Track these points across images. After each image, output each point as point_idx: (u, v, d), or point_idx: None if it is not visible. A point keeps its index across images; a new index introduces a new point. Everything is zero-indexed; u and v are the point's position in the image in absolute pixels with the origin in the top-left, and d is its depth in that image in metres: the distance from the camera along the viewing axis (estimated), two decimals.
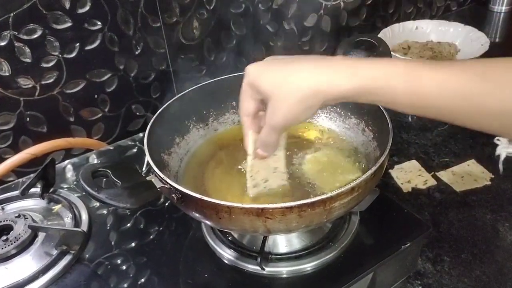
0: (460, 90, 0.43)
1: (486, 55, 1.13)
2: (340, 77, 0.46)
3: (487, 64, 0.44)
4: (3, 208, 0.79)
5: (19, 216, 0.72)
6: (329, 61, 0.49)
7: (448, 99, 0.43)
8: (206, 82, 0.79)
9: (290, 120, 0.50)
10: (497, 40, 1.18)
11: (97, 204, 0.80)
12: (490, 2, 1.58)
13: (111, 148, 0.99)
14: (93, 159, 0.95)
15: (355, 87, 0.46)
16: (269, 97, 0.50)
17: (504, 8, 1.56)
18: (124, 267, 0.69)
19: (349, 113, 0.78)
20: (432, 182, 0.86)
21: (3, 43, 0.83)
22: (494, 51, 1.15)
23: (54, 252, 0.69)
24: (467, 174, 0.88)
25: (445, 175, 0.88)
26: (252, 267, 0.65)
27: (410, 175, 0.87)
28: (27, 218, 0.72)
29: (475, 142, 0.97)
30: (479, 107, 0.43)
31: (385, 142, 0.61)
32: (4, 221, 0.72)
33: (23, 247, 0.69)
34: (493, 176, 0.87)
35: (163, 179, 0.56)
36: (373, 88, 0.46)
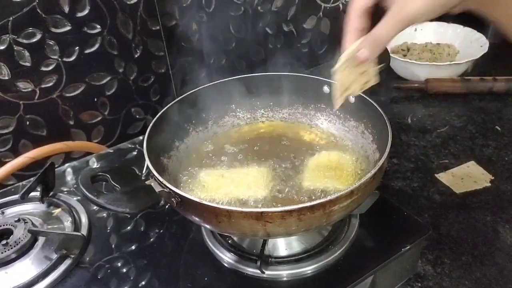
0: None
1: (486, 56, 1.13)
2: None
3: None
4: (3, 212, 0.79)
5: (19, 220, 0.72)
6: None
7: None
8: (205, 85, 0.79)
9: (425, 12, 0.46)
10: (496, 41, 1.18)
11: (97, 207, 0.80)
12: None
13: (111, 151, 0.99)
14: (93, 163, 0.95)
15: None
16: None
17: None
18: (124, 270, 0.69)
19: (348, 116, 0.78)
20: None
21: (2, 47, 0.83)
22: (493, 52, 1.15)
23: (54, 256, 0.69)
24: (466, 176, 0.88)
25: (444, 177, 0.88)
26: (252, 271, 0.65)
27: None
28: (27, 222, 0.72)
29: (475, 144, 0.97)
30: None
31: (385, 145, 0.61)
32: (4, 225, 0.71)
33: (23, 252, 0.69)
34: (493, 178, 0.87)
35: (163, 183, 0.56)
36: None
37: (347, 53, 0.53)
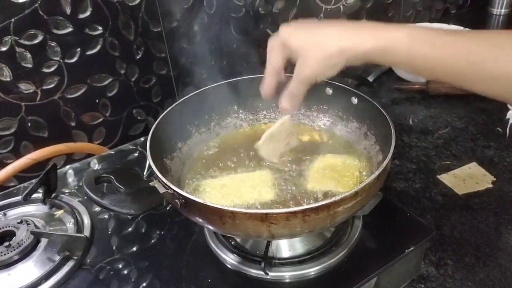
0: (471, 53, 0.49)
1: None
2: (365, 38, 0.52)
3: (494, 35, 0.51)
4: (5, 214, 0.79)
5: (21, 222, 0.72)
6: (355, 25, 0.56)
7: (461, 60, 0.49)
8: (207, 87, 0.79)
9: (317, 74, 0.56)
10: None
11: (99, 208, 0.80)
12: (489, 5, 1.59)
13: (112, 152, 0.99)
14: (94, 164, 0.95)
15: (379, 47, 0.51)
16: (298, 53, 0.55)
17: (503, 11, 1.57)
18: (126, 272, 0.69)
19: (351, 117, 0.78)
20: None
21: (4, 49, 0.83)
22: None
23: (57, 258, 0.69)
24: (468, 177, 0.88)
25: (446, 178, 0.88)
26: (255, 272, 0.65)
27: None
28: (29, 224, 0.72)
29: (476, 145, 0.97)
30: (485, 70, 0.48)
31: (388, 146, 0.61)
32: (6, 227, 0.71)
33: (25, 253, 0.69)
34: (495, 179, 0.87)
35: (167, 185, 0.56)
36: (395, 49, 0.51)
37: (270, 130, 0.64)
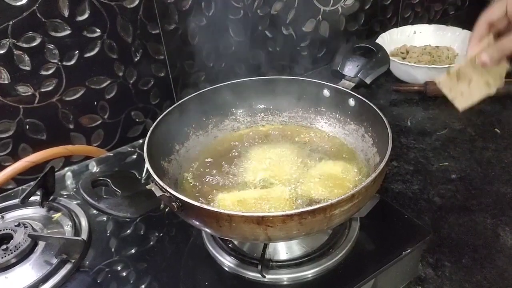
0: None
1: None
2: None
3: None
4: (3, 217, 0.78)
5: (19, 225, 0.72)
6: None
7: None
8: (205, 89, 0.79)
9: None
10: None
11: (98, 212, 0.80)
12: (487, 6, 1.59)
13: (111, 155, 0.99)
14: (93, 167, 0.95)
15: None
16: None
17: None
18: (124, 274, 0.69)
19: (348, 119, 0.78)
20: None
21: (2, 51, 0.83)
22: None
23: (54, 261, 0.69)
24: None
25: None
26: (252, 275, 0.65)
27: None
28: (27, 227, 0.72)
29: (474, 146, 0.97)
30: None
31: (385, 148, 0.61)
32: (4, 230, 0.71)
33: (23, 256, 0.69)
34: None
35: (163, 188, 0.56)
36: None
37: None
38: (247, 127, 0.84)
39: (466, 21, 1.53)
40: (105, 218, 0.80)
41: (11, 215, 0.79)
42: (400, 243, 0.68)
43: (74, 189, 0.88)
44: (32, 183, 0.79)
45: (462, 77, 0.60)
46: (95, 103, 0.98)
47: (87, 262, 0.71)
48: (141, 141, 1.03)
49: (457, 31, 1.28)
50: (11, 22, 0.82)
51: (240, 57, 1.14)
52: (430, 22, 1.55)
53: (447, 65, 1.15)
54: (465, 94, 0.63)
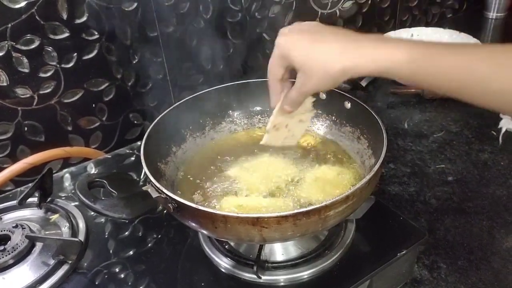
0: (471, 71, 0.50)
1: None
2: (365, 60, 0.53)
3: (493, 49, 0.51)
4: (0, 218, 0.79)
5: (16, 226, 0.72)
6: (356, 40, 0.55)
7: (460, 78, 0.50)
8: (203, 91, 0.80)
9: (318, 89, 0.59)
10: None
11: (94, 213, 0.80)
12: (485, 9, 1.60)
13: (109, 156, 0.99)
14: (91, 168, 0.95)
15: (379, 68, 0.53)
16: (299, 68, 0.56)
17: (498, 15, 1.57)
18: (122, 276, 0.69)
19: (344, 121, 0.79)
20: None
21: (1, 54, 0.84)
22: None
23: (52, 262, 0.69)
24: None
25: None
26: (248, 276, 0.65)
27: None
28: (24, 228, 0.72)
29: (471, 149, 0.98)
30: (485, 86, 0.49)
31: (380, 150, 0.61)
32: (1, 231, 0.72)
33: (20, 257, 0.70)
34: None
35: (159, 189, 0.57)
36: (395, 69, 0.52)
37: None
38: (244, 129, 0.85)
39: (464, 24, 1.55)
40: (103, 220, 0.80)
41: (9, 216, 0.80)
42: (395, 245, 0.68)
43: (72, 191, 0.88)
44: (30, 184, 0.79)
45: (279, 127, 0.66)
46: (93, 105, 0.98)
47: (85, 264, 0.71)
48: (139, 143, 1.04)
49: (454, 34, 1.28)
50: (9, 25, 0.83)
51: (238, 59, 1.14)
52: (427, 25, 1.56)
53: None
54: (288, 137, 0.69)
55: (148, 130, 0.69)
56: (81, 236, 0.74)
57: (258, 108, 0.85)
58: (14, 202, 0.80)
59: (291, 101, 0.61)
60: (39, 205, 0.79)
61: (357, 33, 0.56)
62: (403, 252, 0.67)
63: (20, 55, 0.86)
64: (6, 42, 0.83)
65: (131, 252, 0.73)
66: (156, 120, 0.71)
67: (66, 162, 1.00)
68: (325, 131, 0.81)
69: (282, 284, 0.65)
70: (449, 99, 1.13)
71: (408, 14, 1.50)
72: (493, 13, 1.58)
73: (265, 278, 0.64)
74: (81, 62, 0.92)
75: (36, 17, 0.84)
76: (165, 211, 0.80)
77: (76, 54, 0.91)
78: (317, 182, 0.69)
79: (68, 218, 0.77)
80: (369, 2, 1.35)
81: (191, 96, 0.78)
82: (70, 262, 0.69)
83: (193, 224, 0.58)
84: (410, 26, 1.43)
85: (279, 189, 0.69)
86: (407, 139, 1.02)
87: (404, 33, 1.33)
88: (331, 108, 0.80)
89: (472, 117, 1.08)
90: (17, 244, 0.70)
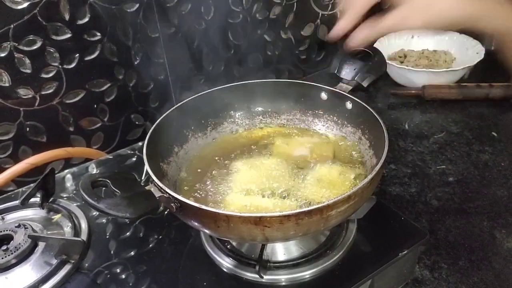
0: None
1: (482, 63, 1.14)
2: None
3: None
4: (3, 218, 0.79)
5: (19, 226, 0.72)
6: None
7: None
8: (204, 92, 0.80)
9: (424, 26, 0.56)
10: (492, 48, 1.19)
11: (96, 213, 0.80)
12: None
13: (111, 157, 1.00)
14: (93, 169, 0.96)
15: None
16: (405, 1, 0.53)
17: None
18: (123, 276, 0.69)
19: (345, 122, 0.79)
20: None
21: (3, 54, 0.84)
22: (489, 59, 1.16)
23: (54, 262, 0.69)
24: None
25: None
26: (250, 275, 0.65)
27: None
28: (27, 228, 0.72)
29: (471, 150, 0.98)
30: None
31: (381, 150, 0.62)
32: (4, 231, 0.72)
33: (23, 257, 0.70)
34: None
35: (162, 189, 0.57)
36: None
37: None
38: (245, 130, 0.85)
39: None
40: (104, 220, 0.80)
41: (12, 216, 0.80)
42: (397, 245, 0.68)
43: (74, 191, 0.88)
44: (32, 185, 0.80)
45: None
46: (95, 106, 0.99)
47: (87, 264, 0.72)
48: (140, 143, 1.04)
49: (455, 36, 1.28)
50: (12, 26, 0.83)
51: (239, 60, 1.14)
52: None
53: (445, 69, 1.15)
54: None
55: (150, 130, 0.69)
56: (84, 236, 0.74)
57: (260, 109, 0.85)
58: (16, 202, 0.80)
59: (367, 34, 0.59)
60: (41, 205, 0.79)
61: None
62: (404, 252, 0.67)
63: (22, 55, 0.86)
64: (8, 42, 0.84)
65: (132, 253, 0.73)
66: (158, 121, 0.71)
67: (67, 162, 1.00)
68: (327, 131, 0.81)
69: (283, 283, 0.65)
70: (449, 100, 1.14)
71: None
72: None
73: (267, 277, 0.64)
74: (83, 62, 0.93)
75: (38, 18, 0.85)
76: (166, 212, 0.80)
77: (78, 54, 0.92)
78: (319, 182, 0.69)
79: (70, 218, 0.77)
80: None
81: (192, 97, 0.78)
82: (72, 261, 0.69)
83: (196, 224, 0.59)
84: None
85: (281, 189, 0.69)
86: (408, 140, 1.03)
87: (404, 34, 1.33)
88: (333, 109, 0.80)
89: (473, 118, 1.09)
90: (19, 243, 0.70)
